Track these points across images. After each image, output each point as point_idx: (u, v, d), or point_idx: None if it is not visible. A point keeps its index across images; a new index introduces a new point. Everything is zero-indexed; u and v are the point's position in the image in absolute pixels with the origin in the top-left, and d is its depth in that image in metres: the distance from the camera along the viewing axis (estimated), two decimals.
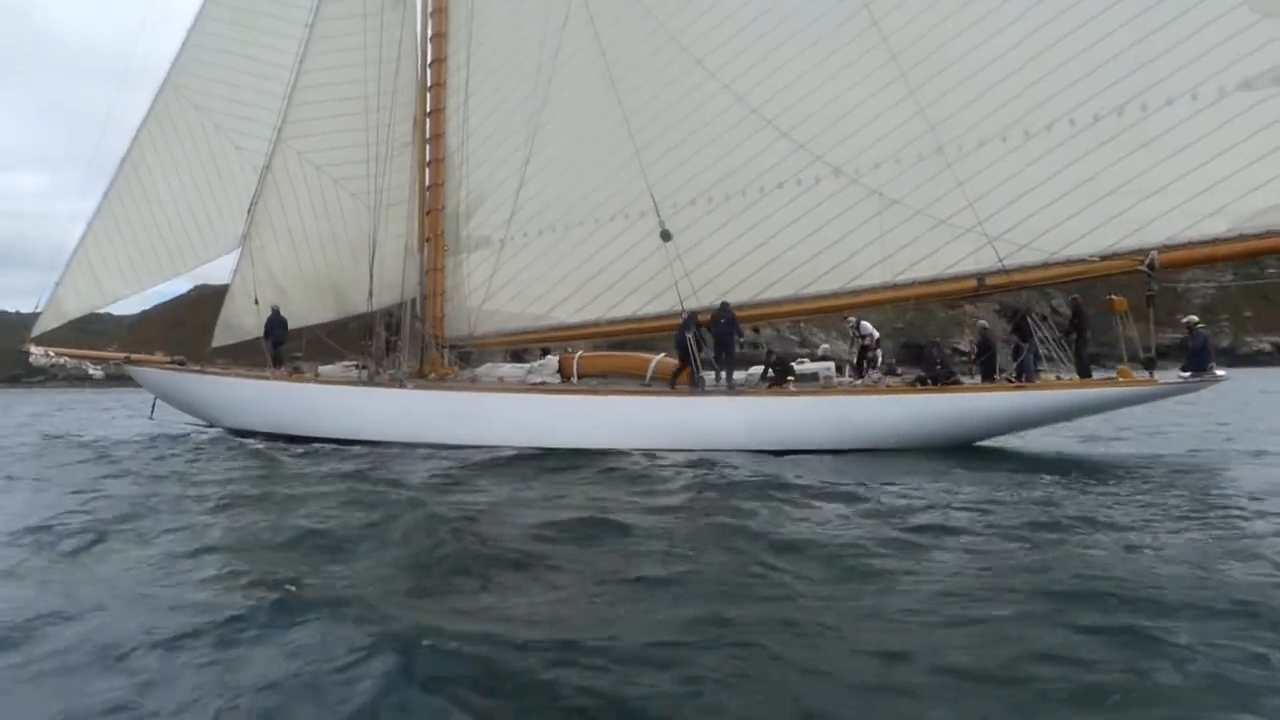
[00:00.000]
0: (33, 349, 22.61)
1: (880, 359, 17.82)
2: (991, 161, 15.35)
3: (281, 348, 20.01)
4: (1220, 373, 14.74)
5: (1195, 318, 15.69)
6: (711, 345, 16.44)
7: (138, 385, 22.97)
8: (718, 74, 17.16)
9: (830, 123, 16.43)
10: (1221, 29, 14.13)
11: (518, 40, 19.09)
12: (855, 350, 18.18)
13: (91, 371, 23.03)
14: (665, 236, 17.01)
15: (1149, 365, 14.61)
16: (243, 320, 21.16)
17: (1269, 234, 13.89)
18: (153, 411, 22.51)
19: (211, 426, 21.12)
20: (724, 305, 16.40)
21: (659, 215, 17.16)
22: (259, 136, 21.50)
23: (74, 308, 22.84)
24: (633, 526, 8.05)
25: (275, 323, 20.07)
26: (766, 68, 16.83)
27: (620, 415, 15.65)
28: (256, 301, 20.44)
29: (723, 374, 16.28)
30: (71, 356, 23.04)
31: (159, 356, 22.43)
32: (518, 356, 19.85)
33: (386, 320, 19.82)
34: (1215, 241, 14.15)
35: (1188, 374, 14.71)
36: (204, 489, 11.27)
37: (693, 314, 16.42)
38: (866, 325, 18.15)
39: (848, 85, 16.29)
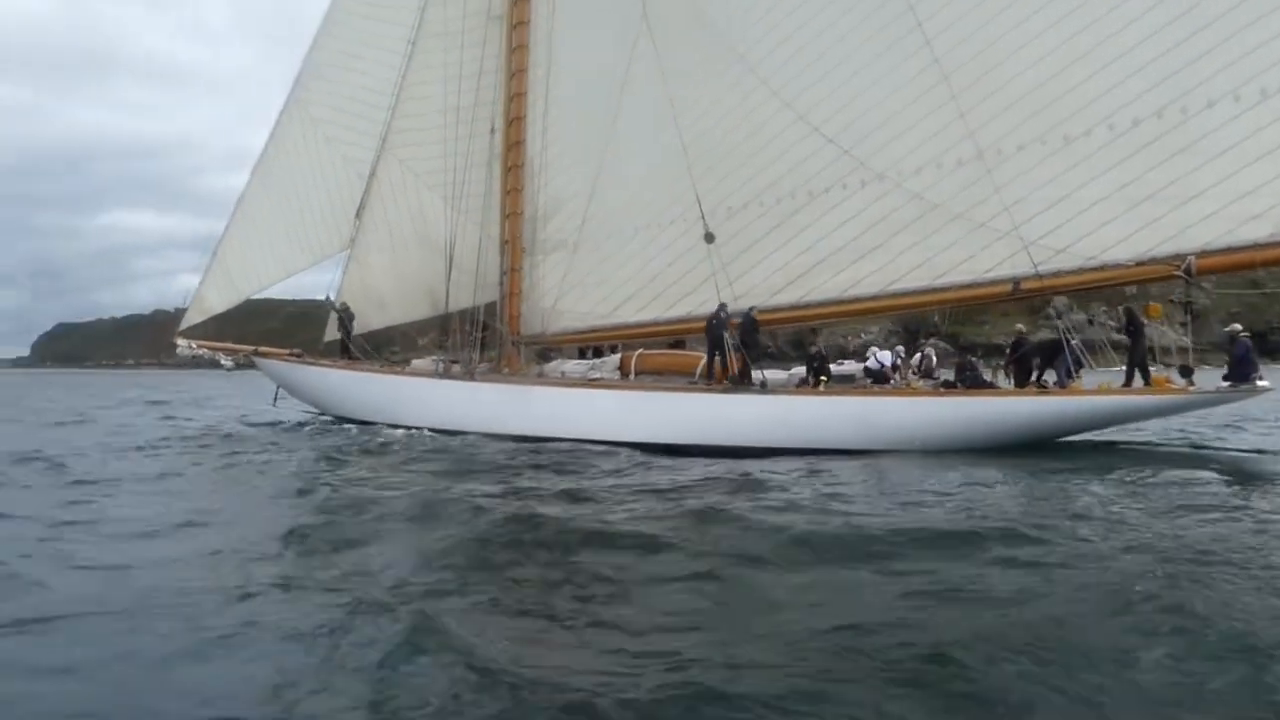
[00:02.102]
0: (179, 342, 25.23)
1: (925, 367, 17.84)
2: (1030, 166, 15.39)
3: (352, 340, 21.89)
4: (1264, 383, 14.31)
5: (1239, 326, 15.20)
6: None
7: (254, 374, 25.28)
8: (768, 81, 17.71)
9: (874, 128, 16.75)
10: (1264, 29, 13.83)
11: (593, 52, 20.11)
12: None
13: (223, 362, 25.47)
14: (709, 239, 17.73)
15: (1185, 373, 14.37)
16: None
17: None
18: (275, 400, 24.76)
19: (323, 414, 23.08)
20: (721, 306, 17.11)
21: (704, 218, 17.86)
22: (365, 147, 23.36)
23: (215, 304, 25.38)
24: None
25: (344, 317, 22.01)
26: (813, 74, 17.26)
27: (653, 411, 16.49)
28: (327, 299, 22.50)
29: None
30: (211, 349, 25.54)
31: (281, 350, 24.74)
32: (599, 353, 20.89)
33: (472, 318, 21.24)
34: (1255, 247, 13.85)
35: (1228, 383, 14.38)
36: None
37: (721, 314, 17.03)
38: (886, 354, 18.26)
39: (890, 90, 16.56)
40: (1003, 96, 15.59)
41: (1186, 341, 14.62)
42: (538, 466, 13.61)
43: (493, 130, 20.76)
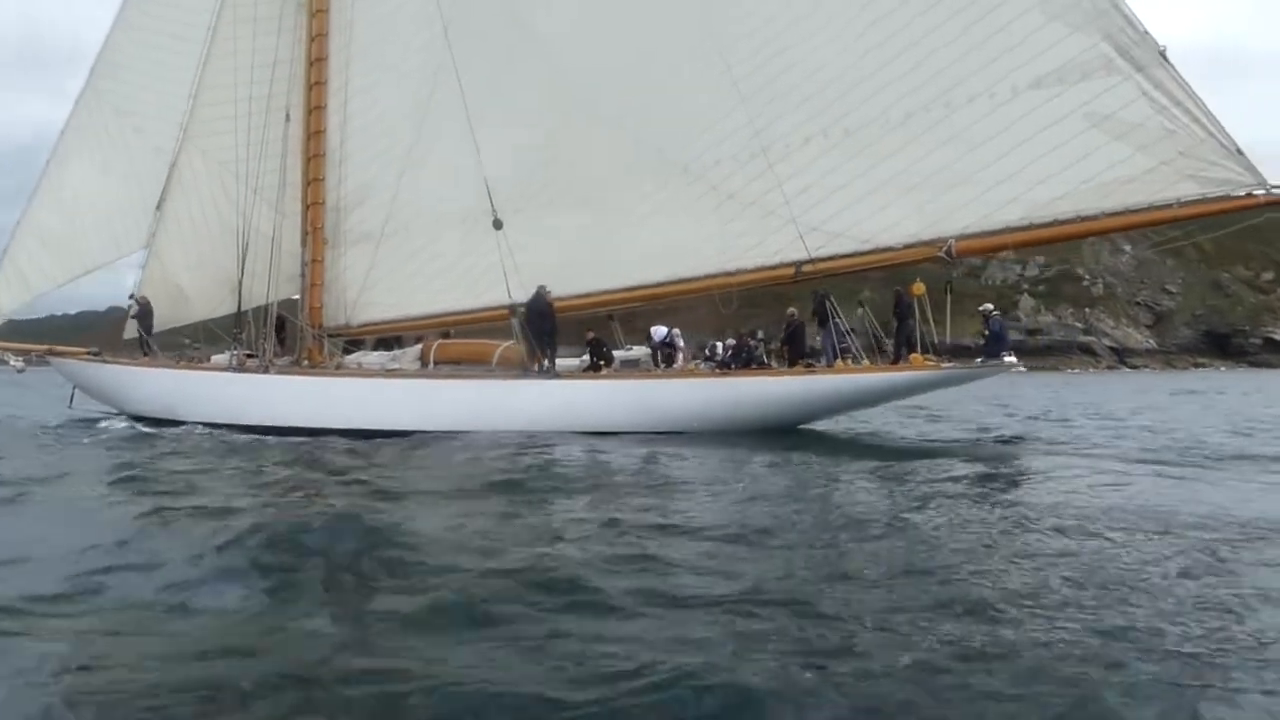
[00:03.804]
0: None
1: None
2: (815, 156, 16.21)
3: (151, 335, 21.11)
4: (1011, 359, 15.51)
5: (990, 305, 16.47)
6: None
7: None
8: (575, 82, 18.04)
9: (676, 123, 17.32)
10: (1016, 31, 14.96)
11: (395, 44, 19.98)
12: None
13: (13, 362, 24.07)
14: (497, 225, 17.87)
15: (939, 352, 15.43)
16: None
17: (1055, 223, 14.77)
18: (71, 401, 23.51)
19: (120, 414, 22.06)
20: (539, 290, 17.33)
21: (493, 206, 18.01)
22: (174, 137, 22.44)
23: (6, 306, 24.00)
24: None
25: (144, 312, 21.22)
26: (615, 74, 17.73)
27: (445, 398, 16.58)
28: (131, 296, 21.61)
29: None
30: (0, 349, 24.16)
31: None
32: (402, 343, 20.67)
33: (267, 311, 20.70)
34: (1008, 230, 14.99)
35: (980, 360, 15.51)
36: None
37: (534, 299, 17.23)
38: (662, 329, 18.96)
39: (692, 88, 17.16)
40: (790, 91, 16.35)
41: (945, 324, 15.65)
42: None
43: (287, 119, 20.31)
